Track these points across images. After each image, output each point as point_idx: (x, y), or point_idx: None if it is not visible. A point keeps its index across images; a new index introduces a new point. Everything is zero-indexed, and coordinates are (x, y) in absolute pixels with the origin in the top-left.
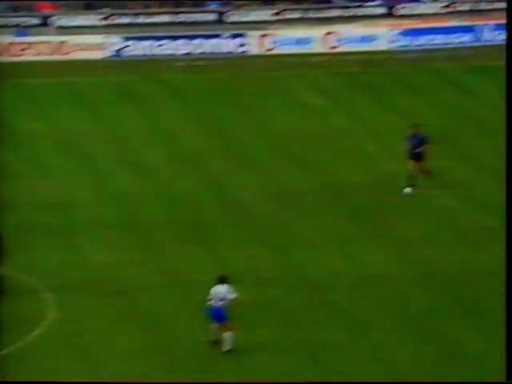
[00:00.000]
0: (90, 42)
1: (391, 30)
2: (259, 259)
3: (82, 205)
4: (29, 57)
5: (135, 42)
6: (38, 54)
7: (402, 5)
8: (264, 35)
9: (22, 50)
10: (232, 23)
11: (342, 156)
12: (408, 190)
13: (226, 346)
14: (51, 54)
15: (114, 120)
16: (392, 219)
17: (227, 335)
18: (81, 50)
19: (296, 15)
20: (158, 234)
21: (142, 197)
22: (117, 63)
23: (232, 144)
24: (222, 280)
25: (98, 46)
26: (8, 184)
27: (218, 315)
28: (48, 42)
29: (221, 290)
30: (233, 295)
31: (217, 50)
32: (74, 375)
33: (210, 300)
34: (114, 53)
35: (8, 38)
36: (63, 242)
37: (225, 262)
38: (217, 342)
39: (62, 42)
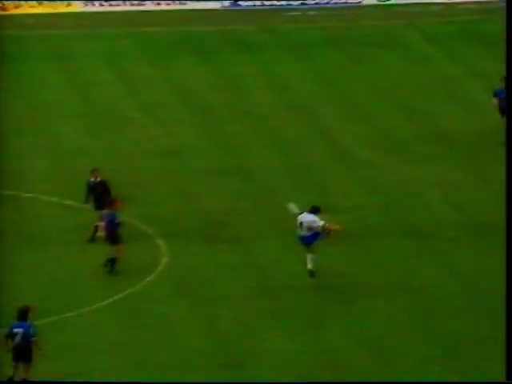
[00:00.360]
0: None
1: None
2: (367, 208)
3: (196, 152)
4: (149, 6)
5: None
6: (158, 4)
7: None
8: None
9: None
10: None
11: (452, 105)
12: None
13: (309, 266)
14: (170, 3)
15: (229, 69)
16: (499, 169)
17: (310, 256)
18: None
19: None
20: (270, 182)
21: (253, 144)
22: (233, 13)
23: (343, 93)
24: (313, 210)
25: None
26: (124, 132)
27: (308, 242)
28: None
29: (308, 219)
30: (321, 223)
31: (331, 0)
32: (185, 321)
33: (300, 229)
34: (231, 3)
35: None
36: (177, 189)
37: (333, 211)
38: (312, 273)
39: None
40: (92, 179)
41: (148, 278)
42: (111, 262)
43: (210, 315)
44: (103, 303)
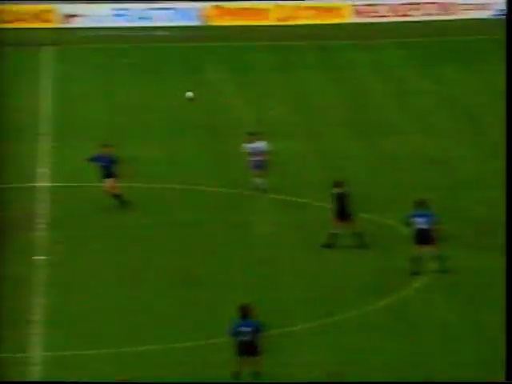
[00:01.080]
0: (475, 2)
1: None
2: None
3: (462, 161)
4: (416, 17)
5: None
6: (423, 15)
7: None
8: None
9: (409, 10)
10: None
11: None
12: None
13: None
14: (438, 13)
15: (494, 76)
16: None
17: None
18: (466, 9)
19: None
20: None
21: None
22: (501, 21)
23: None
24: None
25: (483, 6)
26: (391, 140)
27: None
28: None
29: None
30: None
31: None
32: (456, 327)
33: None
34: (500, 12)
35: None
36: (445, 196)
37: None
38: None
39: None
40: (335, 191)
41: (415, 284)
42: (441, 260)
43: (481, 322)
44: (371, 307)
